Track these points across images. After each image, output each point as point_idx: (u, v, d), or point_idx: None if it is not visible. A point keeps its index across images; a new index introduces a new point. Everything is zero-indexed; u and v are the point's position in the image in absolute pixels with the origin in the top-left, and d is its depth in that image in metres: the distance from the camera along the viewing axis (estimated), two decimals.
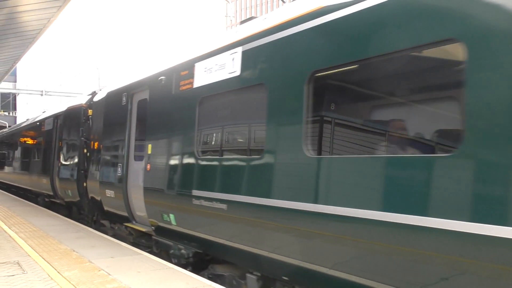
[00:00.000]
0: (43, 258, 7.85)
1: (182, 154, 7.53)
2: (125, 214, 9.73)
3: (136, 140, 9.51)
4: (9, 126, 38.22)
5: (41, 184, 16.97)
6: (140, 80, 9.45)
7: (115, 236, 10.88)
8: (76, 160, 13.17)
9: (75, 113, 13.75)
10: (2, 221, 12.50)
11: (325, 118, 5.16)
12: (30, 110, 51.16)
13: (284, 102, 5.45)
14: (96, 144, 11.71)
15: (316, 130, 5.12)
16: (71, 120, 14.03)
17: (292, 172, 5.24)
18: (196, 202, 6.96)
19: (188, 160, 7.34)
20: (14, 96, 59.69)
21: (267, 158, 5.63)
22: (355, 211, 4.38)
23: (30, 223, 12.20)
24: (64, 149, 14.30)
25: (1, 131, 34.93)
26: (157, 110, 8.50)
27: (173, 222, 7.75)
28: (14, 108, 64.30)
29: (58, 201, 15.59)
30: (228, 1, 36.66)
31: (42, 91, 38.39)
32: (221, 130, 6.80)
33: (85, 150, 12.61)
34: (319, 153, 5.02)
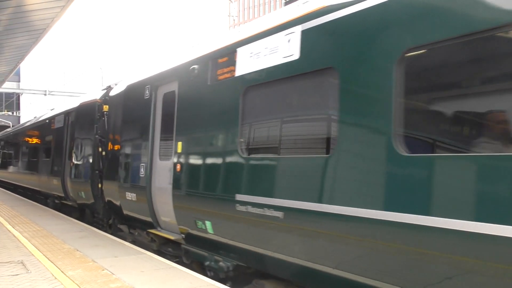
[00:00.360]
0: (46, 257, 7.87)
1: (221, 153, 6.52)
2: (149, 219, 8.84)
3: (161, 137, 8.58)
4: (12, 126, 38.19)
5: (51, 185, 15.92)
6: (167, 70, 8.51)
7: (134, 242, 10.10)
8: (90, 159, 12.17)
9: (88, 109, 12.68)
10: (6, 220, 12.53)
11: (424, 107, 4.14)
12: (33, 110, 51.25)
13: (364, 88, 4.52)
14: (113, 142, 10.83)
15: (411, 122, 4.11)
16: (84, 116, 13.04)
17: (379, 174, 4.27)
18: (240, 208, 6.03)
19: (229, 159, 6.34)
20: (18, 96, 59.81)
21: (342, 157, 4.70)
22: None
23: (33, 222, 12.23)
24: (77, 148, 13.28)
25: (7, 130, 33.73)
26: (188, 104, 7.56)
27: (210, 230, 6.85)
28: (18, 108, 64.44)
29: (69, 203, 14.58)
30: (231, 1, 36.68)
31: (45, 91, 38.48)
32: (275, 124, 5.78)
33: (100, 149, 11.68)
34: (415, 151, 4.03)
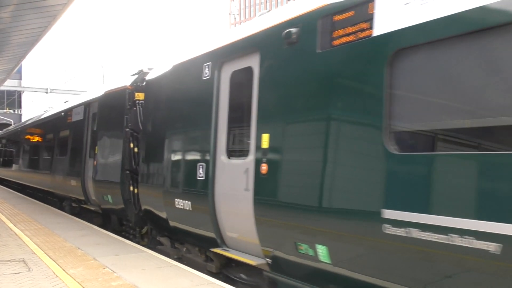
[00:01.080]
0: (48, 255, 7.88)
1: (349, 149, 4.66)
2: (210, 234, 6.93)
3: (229, 128, 6.71)
4: (14, 124, 38.17)
5: (68, 186, 13.89)
6: (238, 41, 6.58)
7: (180, 259, 8.39)
8: (118, 157, 10.24)
9: (116, 97, 10.71)
10: (8, 219, 12.55)
11: None
12: (35, 108, 51.30)
13: None
14: (152, 136, 8.84)
15: None
16: (110, 107, 11.10)
17: None
18: (392, 231, 4.06)
19: (365, 158, 4.47)
20: (19, 94, 59.87)
21: None
22: None
23: (35, 220, 12.25)
24: (101, 143, 11.34)
25: (15, 125, 31.39)
26: (282, 82, 5.58)
27: (324, 258, 4.97)
28: (19, 106, 64.50)
29: (91, 208, 12.42)
30: None
31: (47, 89, 38.50)
32: (466, 102, 3.77)
33: (132, 145, 9.88)
34: None
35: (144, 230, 10.10)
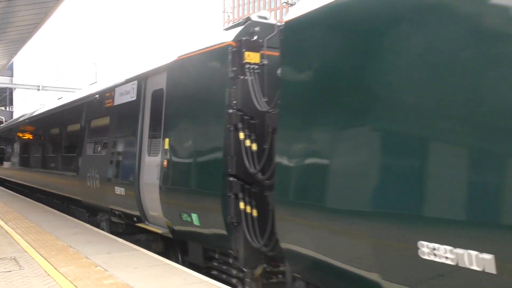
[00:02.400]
0: (40, 254, 7.84)
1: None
2: None
3: None
4: (5, 121, 37.89)
5: (109, 195, 10.13)
6: None
7: None
8: (214, 155, 6.81)
9: (205, 63, 7.26)
10: None
11: None
12: (27, 105, 51.03)
13: None
14: (307, 121, 5.10)
15: None
16: (191, 78, 7.54)
17: None
18: None
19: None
20: (11, 91, 59.50)
21: None
22: None
23: (27, 218, 12.17)
24: (175, 134, 7.81)
25: (18, 117, 25.58)
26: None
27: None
28: (11, 103, 64.10)
29: (151, 229, 8.61)
30: None
31: (39, 86, 38.24)
32: None
33: (242, 135, 6.31)
34: None
35: (258, 271, 6.59)
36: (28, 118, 20.39)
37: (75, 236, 9.54)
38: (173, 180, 7.65)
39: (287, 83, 5.43)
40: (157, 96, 8.60)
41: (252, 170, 6.14)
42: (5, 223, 11.18)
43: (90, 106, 12.09)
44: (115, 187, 9.70)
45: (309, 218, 4.99)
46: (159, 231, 8.26)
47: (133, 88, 9.58)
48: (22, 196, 19.20)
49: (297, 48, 5.31)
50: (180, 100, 7.75)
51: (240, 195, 6.31)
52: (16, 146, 22.19)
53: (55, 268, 6.89)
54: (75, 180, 12.44)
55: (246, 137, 6.32)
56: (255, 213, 6.24)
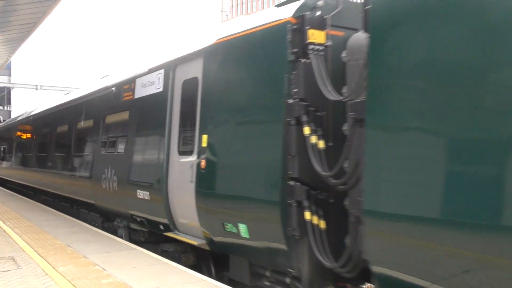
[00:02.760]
0: (38, 253, 7.83)
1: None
2: None
3: None
4: (3, 121, 37.75)
5: (130, 199, 8.93)
6: None
7: None
8: (268, 155, 5.73)
9: (254, 44, 6.18)
10: None
11: None
12: (25, 104, 50.96)
13: None
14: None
15: None
16: (236, 63, 6.50)
17: None
18: None
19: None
20: (9, 90, 59.40)
21: None
22: None
23: (25, 218, 12.16)
24: (215, 130, 6.70)
25: (20, 114, 23.70)
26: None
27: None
28: (9, 102, 63.99)
29: (184, 239, 7.48)
30: None
31: (37, 85, 38.22)
32: None
33: (308, 131, 5.27)
34: None
35: None
36: (32, 115, 18.78)
37: (74, 235, 9.53)
38: (215, 184, 6.51)
39: (387, 63, 4.30)
40: (189, 86, 7.44)
41: (324, 173, 5.04)
42: (3, 223, 11.16)
43: (105, 101, 10.76)
44: (137, 191, 8.51)
45: (425, 237, 3.79)
46: (194, 243, 7.02)
47: (158, 78, 8.38)
48: (21, 196, 19.16)
49: (401, 25, 4.22)
50: (222, 89, 6.59)
51: (305, 203, 5.22)
52: (19, 145, 20.80)
53: (53, 267, 6.89)
54: (87, 181, 11.19)
55: (312, 132, 5.22)
56: (323, 224, 5.19)
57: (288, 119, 5.37)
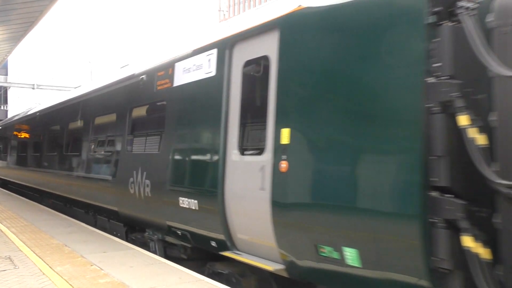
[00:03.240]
0: (34, 253, 7.81)
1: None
2: None
3: None
4: (0, 120, 37.50)
5: (167, 207, 7.50)
6: None
7: None
8: (394, 154, 4.33)
9: (371, 5, 4.63)
10: None
11: None
12: (21, 104, 50.82)
13: None
14: None
15: None
16: (337, 32, 4.94)
17: None
18: None
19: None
20: (5, 90, 59.26)
21: None
22: None
23: (21, 217, 12.13)
24: (300, 122, 5.20)
25: (26, 110, 21.41)
26: None
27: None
28: (5, 102, 63.81)
29: (242, 259, 6.04)
30: None
31: (33, 84, 38.15)
32: None
33: (466, 121, 3.84)
34: None
35: None
36: (40, 111, 16.94)
37: (70, 235, 9.51)
38: (305, 192, 5.03)
39: None
40: (255, 67, 6.01)
41: (500, 180, 3.61)
42: (0, 222, 11.13)
43: (131, 91, 9.21)
44: (180, 198, 6.96)
45: None
46: (269, 268, 5.52)
47: (209, 60, 6.75)
48: (17, 195, 19.10)
49: None
50: (320, 70, 5.01)
51: (463, 224, 3.77)
52: (26, 143, 18.81)
53: (50, 267, 6.87)
54: (110, 185, 9.62)
55: (472, 123, 3.78)
56: (487, 254, 3.76)
57: (430, 105, 3.92)
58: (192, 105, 7.12)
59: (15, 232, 9.79)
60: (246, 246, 6.05)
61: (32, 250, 8.00)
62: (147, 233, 8.57)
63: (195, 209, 6.68)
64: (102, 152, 10.51)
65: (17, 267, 6.89)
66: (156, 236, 8.25)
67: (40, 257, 7.48)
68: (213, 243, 6.48)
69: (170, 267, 6.95)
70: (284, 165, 5.16)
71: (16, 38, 14.26)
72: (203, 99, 6.82)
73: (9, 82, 45.65)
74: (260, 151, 5.68)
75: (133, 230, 9.38)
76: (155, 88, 8.23)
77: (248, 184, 5.77)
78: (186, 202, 6.89)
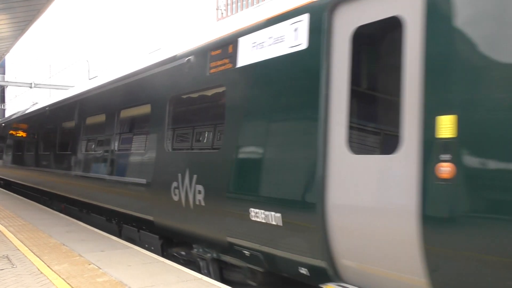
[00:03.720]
0: (32, 252, 7.80)
1: None
2: None
3: None
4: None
5: (230, 221, 5.99)
6: None
7: None
8: None
9: None
10: None
11: None
12: (19, 103, 50.74)
13: None
14: None
15: None
16: None
17: None
18: None
19: None
20: (3, 89, 59.17)
21: None
22: None
23: (19, 217, 12.11)
24: (477, 107, 3.56)
25: (36, 104, 19.27)
26: None
27: None
28: (3, 101, 63.71)
29: None
30: None
31: (31, 83, 38.05)
32: None
33: None
34: None
35: None
36: (49, 106, 15.25)
37: (68, 234, 9.50)
38: (495, 209, 3.45)
39: None
40: (374, 36, 4.67)
41: None
42: None
43: (171, 77, 7.66)
44: (251, 209, 5.52)
45: None
46: None
47: (295, 29, 5.24)
48: (15, 195, 19.06)
49: None
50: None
51: None
52: (34, 142, 16.87)
53: (48, 266, 6.86)
54: (144, 190, 8.11)
55: None
56: None
57: None
58: (269, 88, 5.50)
59: (13, 231, 9.78)
60: (357, 277, 4.58)
61: (30, 249, 7.99)
62: (195, 249, 7.02)
63: (276, 225, 5.18)
64: (132, 151, 8.88)
65: (15, 266, 6.88)
66: (209, 255, 6.70)
67: (38, 256, 7.47)
68: (303, 270, 5.01)
69: (168, 266, 6.95)
70: (447, 168, 3.68)
71: (13, 36, 14.24)
72: (287, 80, 5.25)
73: (7, 81, 45.59)
74: (389, 148, 4.25)
75: (171, 244, 8.00)
76: (208, 71, 6.68)
77: (370, 192, 4.32)
78: (261, 215, 5.41)
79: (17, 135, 19.85)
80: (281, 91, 5.33)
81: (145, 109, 8.43)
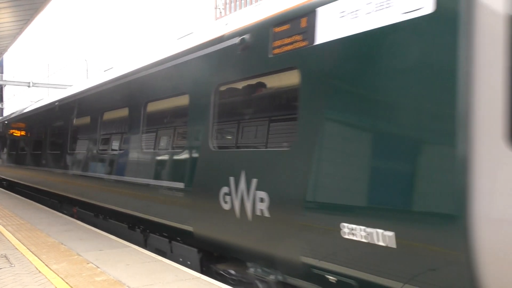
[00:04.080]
0: (31, 251, 7.80)
1: None
2: None
3: None
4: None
5: (307, 239, 4.78)
6: None
7: None
8: None
9: None
10: None
11: None
12: (17, 102, 50.70)
13: None
14: None
15: None
16: None
17: None
18: None
19: None
20: (1, 88, 59.06)
21: None
22: None
23: (18, 216, 12.10)
24: None
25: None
26: None
27: None
28: (1, 100, 63.61)
29: None
30: None
31: (29, 82, 38.00)
32: None
33: None
34: None
35: None
36: (59, 101, 13.67)
37: (67, 233, 9.50)
38: None
39: None
40: None
41: None
42: None
43: (218, 62, 6.45)
44: (344, 224, 4.34)
45: None
46: None
47: None
48: (14, 194, 19.04)
49: None
50: None
51: None
52: (45, 139, 15.02)
53: (46, 265, 6.86)
54: (182, 195, 6.94)
55: None
56: None
57: None
58: (372, 68, 4.26)
59: (11, 231, 9.77)
60: None
61: (28, 248, 7.99)
62: (252, 268, 5.91)
63: (386, 246, 3.98)
64: (164, 150, 7.72)
65: (13, 265, 6.88)
66: (272, 276, 5.60)
67: (36, 255, 7.47)
68: None
69: (166, 265, 6.96)
70: None
71: (11, 36, 14.22)
72: (402, 57, 4.02)
73: (5, 80, 45.51)
74: None
75: (211, 257, 7.04)
76: (270, 51, 5.49)
77: None
78: (360, 232, 4.20)
79: (22, 133, 18.41)
80: (391, 70, 4.10)
81: (180, 100, 7.28)
